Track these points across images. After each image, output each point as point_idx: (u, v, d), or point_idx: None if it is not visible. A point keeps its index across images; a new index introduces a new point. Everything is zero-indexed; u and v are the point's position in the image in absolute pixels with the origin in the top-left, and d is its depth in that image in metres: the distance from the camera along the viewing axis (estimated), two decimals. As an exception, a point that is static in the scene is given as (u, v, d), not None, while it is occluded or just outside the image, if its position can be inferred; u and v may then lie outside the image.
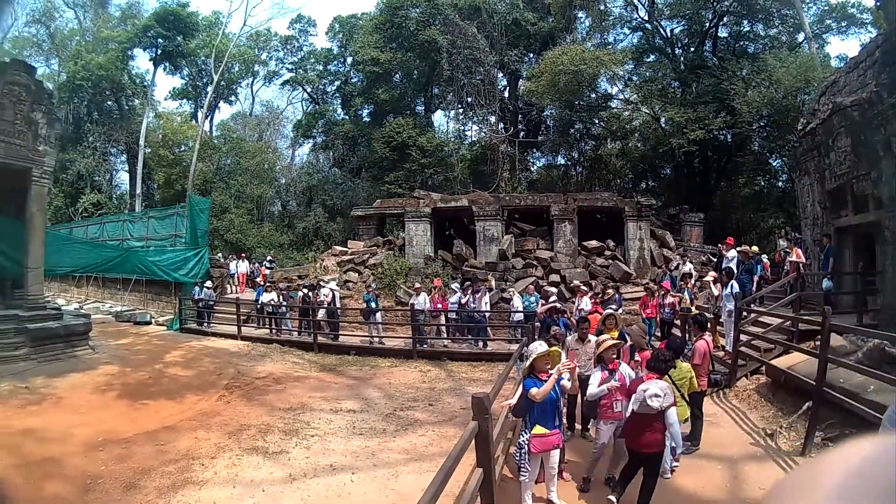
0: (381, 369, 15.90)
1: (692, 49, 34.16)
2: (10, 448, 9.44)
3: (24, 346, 15.64)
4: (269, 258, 31.46)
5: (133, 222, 32.51)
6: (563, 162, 40.47)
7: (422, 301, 18.50)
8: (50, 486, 8.25)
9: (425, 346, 17.83)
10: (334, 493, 7.80)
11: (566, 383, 6.99)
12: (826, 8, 31.55)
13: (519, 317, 17.92)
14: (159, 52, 44.93)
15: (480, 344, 18.09)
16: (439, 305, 18.78)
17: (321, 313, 20.10)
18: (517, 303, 18.24)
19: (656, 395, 6.19)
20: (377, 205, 28.56)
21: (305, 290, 20.87)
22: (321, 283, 22.12)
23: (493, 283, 21.24)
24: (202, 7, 53.66)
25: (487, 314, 18.48)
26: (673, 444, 7.27)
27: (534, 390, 6.27)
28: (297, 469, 8.65)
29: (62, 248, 23.90)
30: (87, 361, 16.21)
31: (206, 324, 22.59)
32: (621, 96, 35.50)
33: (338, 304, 20.59)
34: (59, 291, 31.00)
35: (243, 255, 28.99)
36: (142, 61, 48.86)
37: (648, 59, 35.21)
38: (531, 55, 37.58)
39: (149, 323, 24.21)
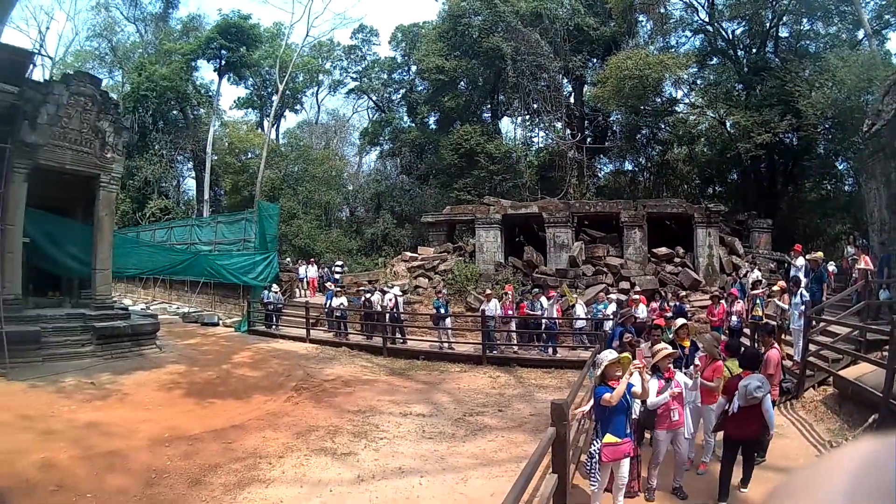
0: (451, 374, 15.99)
1: (754, 50, 33.37)
2: (74, 440, 9.63)
3: (90, 343, 16.32)
4: (338, 263, 31.80)
5: (201, 227, 33.64)
6: (630, 168, 39.98)
7: (493, 307, 18.47)
8: (113, 479, 8.39)
9: (495, 351, 17.87)
10: (402, 495, 7.84)
11: (637, 389, 6.95)
12: (884, 3, 30.18)
13: (581, 324, 18.02)
14: (223, 62, 45.92)
15: (550, 350, 18.06)
16: (510, 312, 18.74)
17: (386, 317, 20.38)
18: (580, 310, 18.37)
19: (759, 387, 6.77)
20: (447, 211, 28.64)
21: (368, 296, 21.19)
22: (384, 288, 22.44)
23: (566, 290, 21.26)
24: (264, 19, 54.74)
25: (558, 321, 18.41)
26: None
27: (606, 395, 6.34)
28: (366, 471, 8.71)
29: (129, 251, 24.84)
30: (154, 360, 16.72)
31: (274, 326, 23.10)
32: (686, 100, 34.89)
33: (400, 310, 20.81)
34: (126, 292, 32.18)
35: (313, 259, 29.47)
36: (206, 72, 50.22)
37: (711, 63, 34.56)
38: (594, 60, 37.22)
39: (216, 324, 24.98)
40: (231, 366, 16.75)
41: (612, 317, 16.99)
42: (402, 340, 19.89)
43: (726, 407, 7.33)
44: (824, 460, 0.68)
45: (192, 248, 31.36)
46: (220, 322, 25.48)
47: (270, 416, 11.82)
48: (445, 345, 19.05)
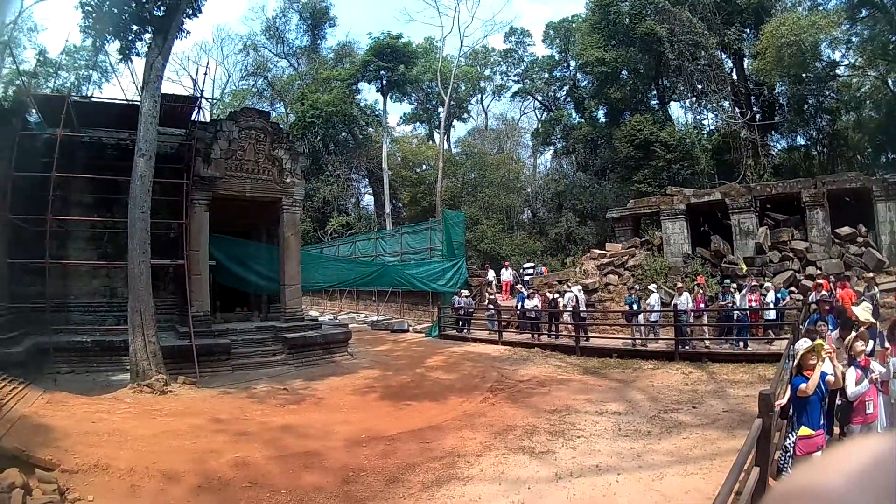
0: (644, 371, 15.79)
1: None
2: (269, 441, 10.12)
3: (280, 353, 17.65)
4: (527, 265, 31.91)
5: (385, 239, 35.28)
6: (802, 142, 37.43)
7: (684, 301, 18.20)
8: (308, 477, 8.79)
9: (686, 347, 17.58)
10: (599, 492, 7.87)
11: (831, 378, 6.88)
12: None
13: (772, 314, 17.50)
14: (384, 82, 47.39)
15: (741, 344, 17.52)
16: (702, 305, 18.45)
17: (566, 317, 20.67)
18: (770, 298, 17.75)
19: None
20: (630, 205, 28.26)
21: (555, 295, 21.51)
22: (566, 287, 22.65)
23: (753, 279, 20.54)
24: (414, 35, 56.41)
25: (748, 312, 17.81)
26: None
27: (802, 385, 6.34)
28: (563, 468, 8.75)
29: (313, 266, 25.85)
30: (346, 366, 17.50)
31: (465, 330, 23.70)
32: (845, 62, 32.40)
33: (582, 308, 20.91)
34: (312, 305, 34.24)
35: (507, 263, 30.04)
36: (368, 93, 52.55)
37: (861, 15, 30.92)
38: (748, 31, 35.39)
39: (406, 331, 26.21)
40: (425, 369, 17.27)
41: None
42: (584, 338, 19.91)
43: None
44: (826, 459, 0.66)
45: (377, 259, 32.83)
46: (410, 328, 26.78)
47: (467, 417, 12.08)
48: (638, 341, 18.91)
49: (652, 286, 20.26)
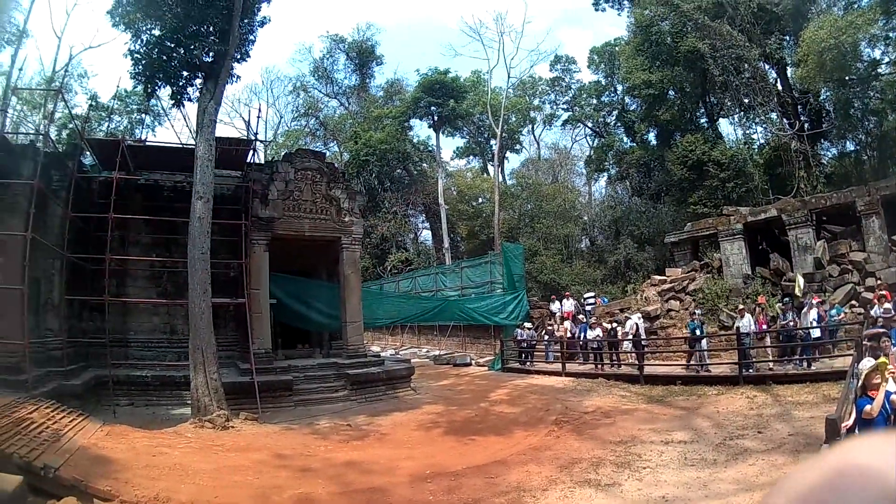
0: (708, 398, 15.49)
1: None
2: (333, 477, 10.14)
3: (343, 388, 17.82)
4: (588, 294, 31.62)
5: (446, 274, 35.31)
6: (851, 148, 36.19)
7: (746, 323, 17.76)
8: None
9: (750, 370, 17.13)
10: None
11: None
12: None
13: (816, 333, 16.90)
14: (435, 118, 47.92)
15: (804, 363, 16.96)
16: (764, 326, 18.02)
17: (626, 345, 20.44)
18: (812, 315, 17.11)
19: None
20: (688, 228, 27.90)
21: (613, 324, 21.31)
22: (626, 315, 22.45)
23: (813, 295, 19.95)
24: (461, 69, 57.08)
25: (812, 331, 17.17)
26: None
27: (867, 407, 6.16)
28: (630, 501, 8.65)
29: (374, 303, 26.32)
30: (409, 401, 17.58)
31: (528, 363, 23.57)
32: (885, 59, 31.10)
33: (642, 335, 20.68)
34: (373, 340, 34.44)
35: (568, 294, 29.90)
36: (420, 129, 53.43)
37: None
38: (787, 38, 34.54)
39: (469, 364, 26.16)
40: (489, 403, 17.27)
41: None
42: (646, 366, 19.45)
43: None
44: (820, 461, 0.68)
45: (438, 294, 33.06)
46: (473, 362, 26.72)
47: (532, 451, 11.93)
48: (701, 367, 18.52)
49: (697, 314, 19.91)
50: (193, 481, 9.33)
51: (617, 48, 45.45)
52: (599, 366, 21.03)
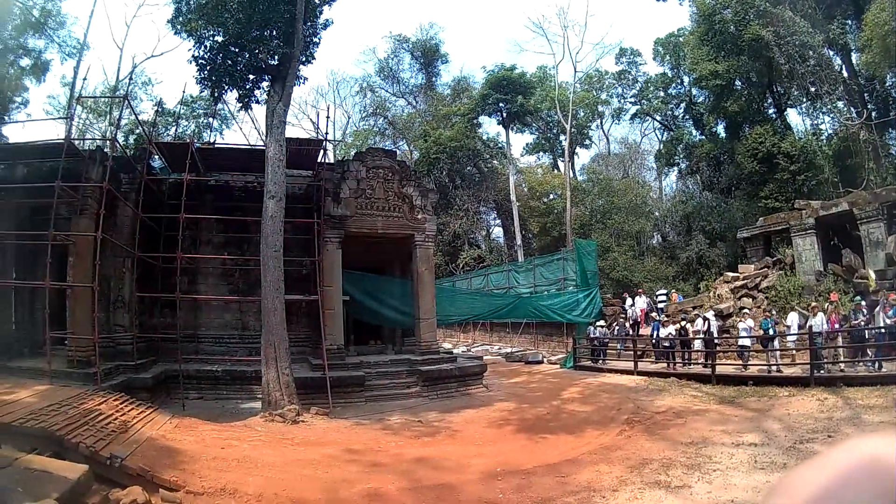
0: (780, 399, 15.12)
1: None
2: (403, 473, 10.19)
3: (415, 385, 17.99)
4: (661, 292, 30.74)
5: (518, 271, 35.36)
6: None
7: (819, 322, 17.27)
8: None
9: (822, 371, 16.59)
10: None
11: None
12: None
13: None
14: (504, 114, 47.43)
15: (875, 365, 16.31)
16: (836, 325, 17.41)
17: (697, 344, 20.12)
18: (886, 315, 16.41)
19: None
20: (760, 223, 27.16)
21: (684, 323, 20.98)
22: (697, 313, 22.06)
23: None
24: (526, 64, 56.71)
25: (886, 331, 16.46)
26: None
27: None
28: (699, 503, 8.55)
29: (447, 300, 26.55)
30: (482, 399, 17.61)
31: (600, 361, 23.44)
32: None
33: (714, 333, 20.26)
34: (444, 337, 34.43)
35: (641, 291, 29.44)
36: (489, 126, 53.23)
37: None
38: (849, 23, 33.19)
39: (540, 362, 26.08)
40: (560, 402, 17.18)
41: None
42: (707, 365, 19.24)
43: None
44: (823, 459, 0.68)
45: (510, 291, 33.03)
46: (545, 360, 26.63)
47: (603, 450, 11.85)
48: (774, 368, 18.03)
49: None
50: (262, 474, 9.55)
51: (681, 38, 44.57)
52: (672, 365, 20.80)
